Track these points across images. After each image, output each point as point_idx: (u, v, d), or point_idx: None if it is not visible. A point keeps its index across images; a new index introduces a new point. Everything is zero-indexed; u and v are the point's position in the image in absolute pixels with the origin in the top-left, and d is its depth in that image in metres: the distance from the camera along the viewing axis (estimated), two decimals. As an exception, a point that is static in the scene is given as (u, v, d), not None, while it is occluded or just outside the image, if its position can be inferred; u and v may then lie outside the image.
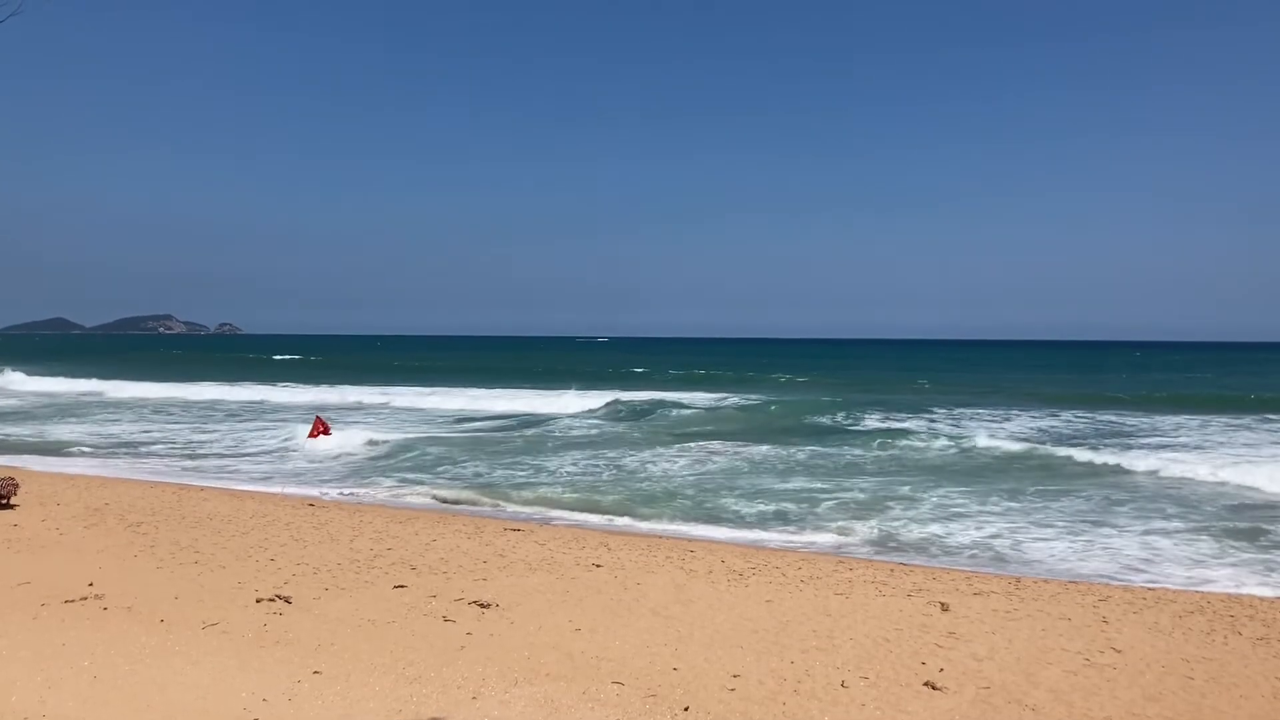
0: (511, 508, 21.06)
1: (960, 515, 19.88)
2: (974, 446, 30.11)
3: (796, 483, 24.13)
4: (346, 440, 31.37)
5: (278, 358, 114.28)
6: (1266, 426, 39.43)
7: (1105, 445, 31.56)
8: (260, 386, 60.80)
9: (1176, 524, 18.94)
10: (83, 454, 29.18)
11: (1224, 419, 41.67)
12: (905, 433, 33.64)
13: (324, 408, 44.57)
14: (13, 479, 18.40)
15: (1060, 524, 19.00)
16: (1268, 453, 30.33)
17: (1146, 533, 18.19)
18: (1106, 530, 18.46)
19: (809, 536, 18.34)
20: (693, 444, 32.03)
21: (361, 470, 26.53)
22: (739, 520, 19.69)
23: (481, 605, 11.64)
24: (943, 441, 31.28)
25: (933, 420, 41.29)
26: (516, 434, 36.23)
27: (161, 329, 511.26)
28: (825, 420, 40.63)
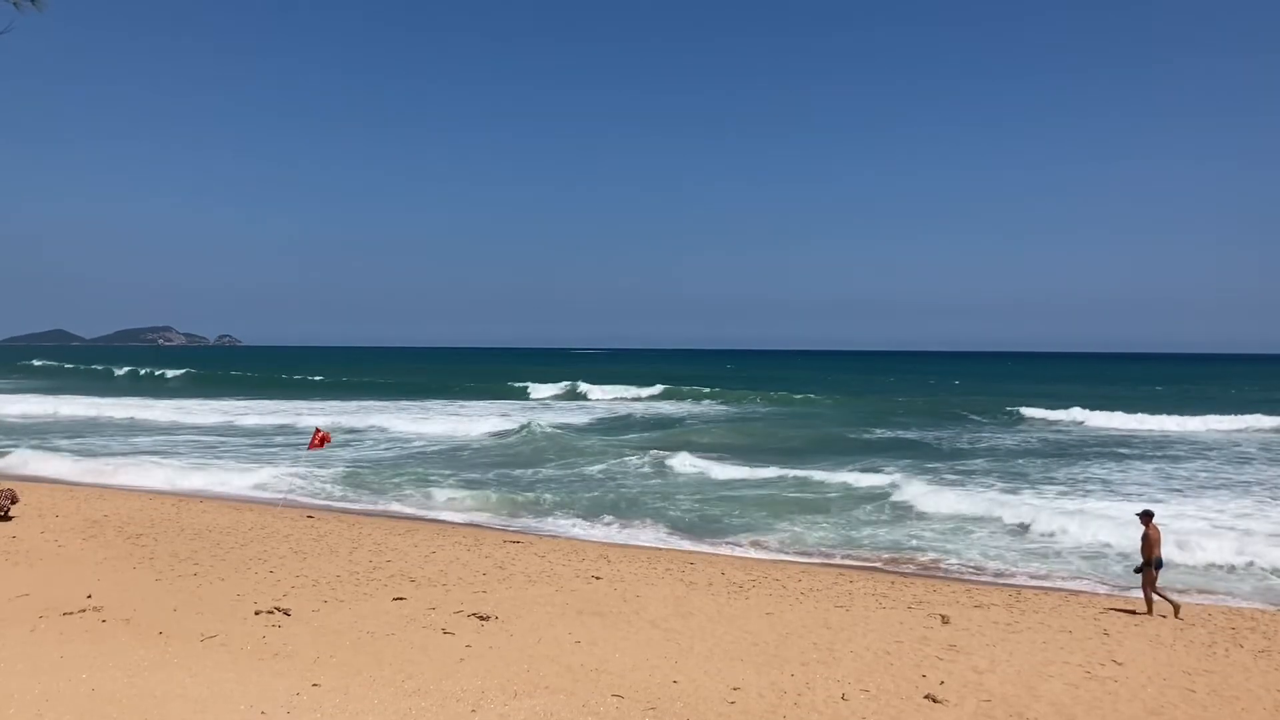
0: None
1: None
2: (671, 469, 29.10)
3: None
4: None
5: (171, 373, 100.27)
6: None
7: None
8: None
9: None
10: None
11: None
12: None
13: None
14: (11, 491, 18.35)
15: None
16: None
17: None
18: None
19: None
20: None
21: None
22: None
23: (481, 617, 11.61)
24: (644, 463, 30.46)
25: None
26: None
27: (161, 340, 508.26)
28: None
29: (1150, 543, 13.42)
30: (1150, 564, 13.40)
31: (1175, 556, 16.48)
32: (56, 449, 31.55)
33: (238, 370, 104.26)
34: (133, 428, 42.58)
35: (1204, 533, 18.53)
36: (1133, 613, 13.44)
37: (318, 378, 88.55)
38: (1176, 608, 13.26)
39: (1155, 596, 13.48)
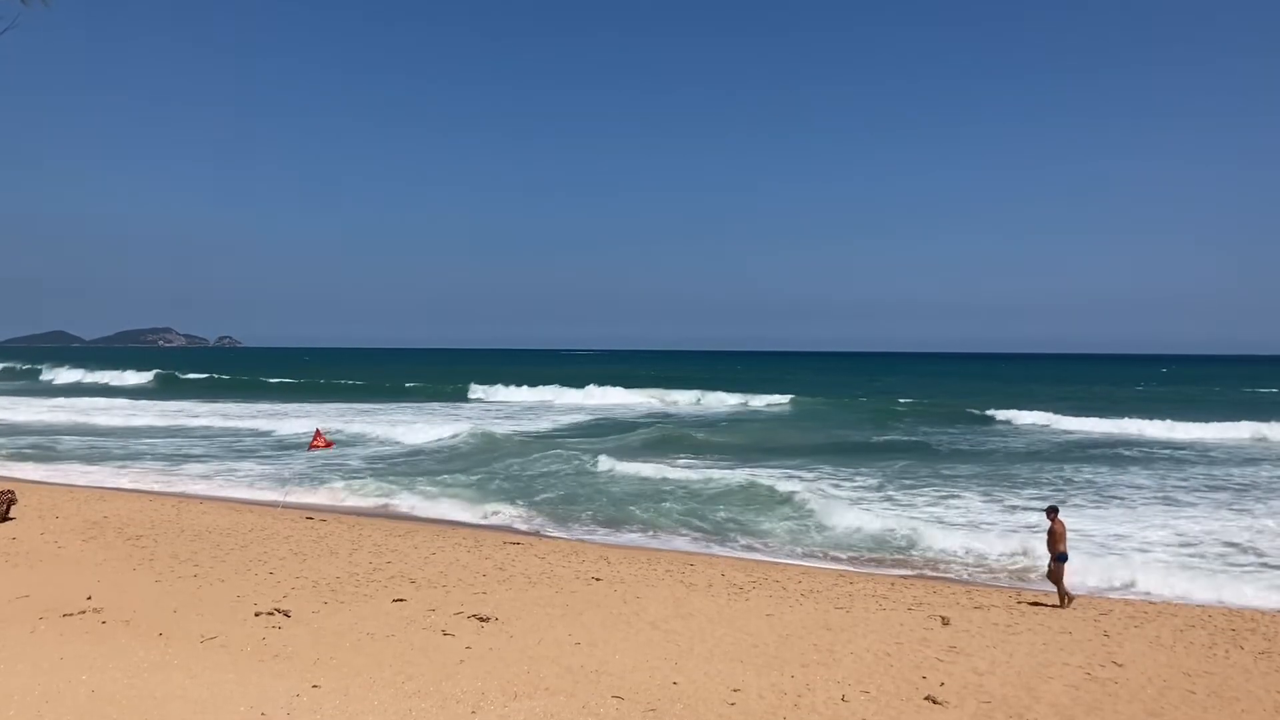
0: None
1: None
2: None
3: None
4: None
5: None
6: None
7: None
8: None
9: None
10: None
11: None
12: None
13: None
14: (11, 491, 18.36)
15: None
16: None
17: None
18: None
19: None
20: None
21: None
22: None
23: (481, 619, 11.61)
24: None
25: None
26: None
27: (161, 342, 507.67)
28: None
29: (1055, 537, 14.04)
30: (1055, 557, 13.99)
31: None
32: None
33: (222, 373, 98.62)
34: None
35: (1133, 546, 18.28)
36: (1049, 605, 13.94)
37: (296, 380, 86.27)
38: (1066, 599, 13.91)
39: (1058, 586, 14.07)
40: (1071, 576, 14.40)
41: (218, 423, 44.99)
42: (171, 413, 50.26)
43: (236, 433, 40.99)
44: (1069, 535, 14.50)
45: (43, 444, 34.88)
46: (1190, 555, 17.75)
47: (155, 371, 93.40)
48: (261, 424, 43.56)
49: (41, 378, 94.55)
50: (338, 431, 40.15)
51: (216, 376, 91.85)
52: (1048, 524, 14.32)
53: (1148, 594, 15.19)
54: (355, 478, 27.03)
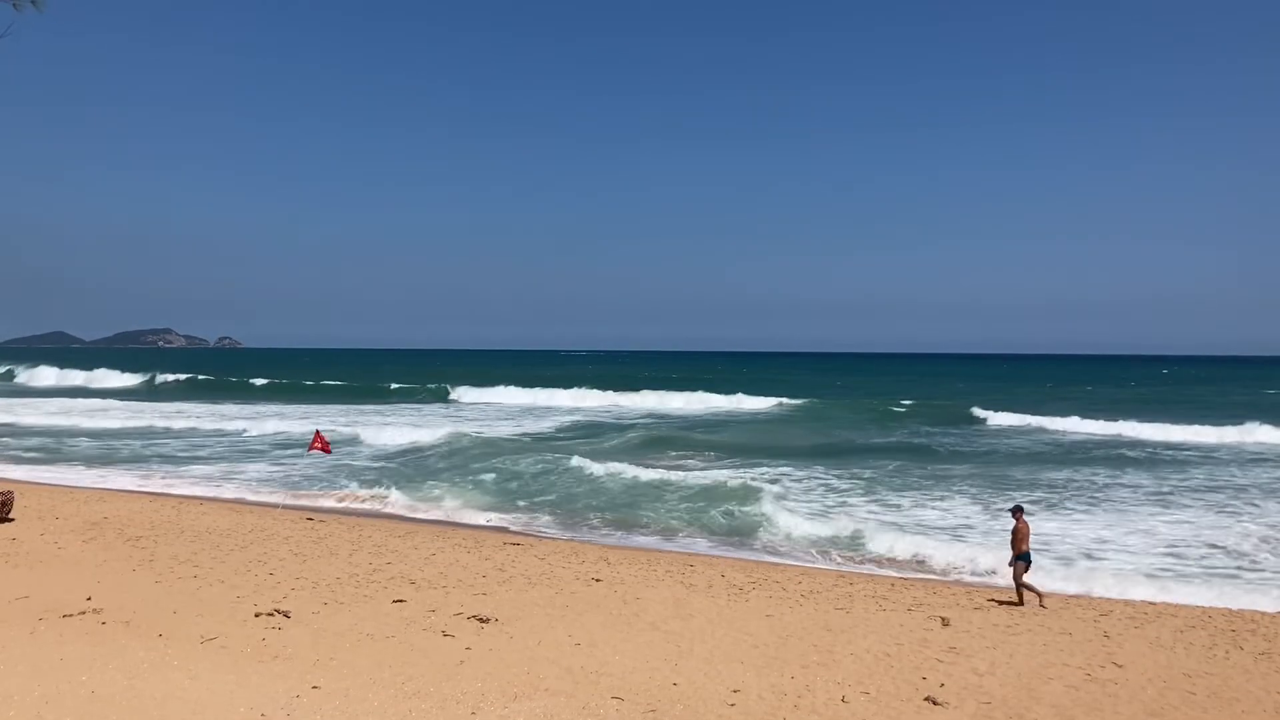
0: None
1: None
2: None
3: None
4: None
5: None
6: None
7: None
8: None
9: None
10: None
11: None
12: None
13: None
14: (10, 492, 18.36)
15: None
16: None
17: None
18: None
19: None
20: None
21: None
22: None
23: (481, 620, 11.61)
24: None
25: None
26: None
27: (161, 343, 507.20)
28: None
29: (1019, 537, 14.07)
30: (1018, 557, 14.03)
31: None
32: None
33: (222, 374, 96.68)
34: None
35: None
36: (1047, 606, 13.86)
37: (295, 381, 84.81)
38: (1040, 596, 14.00)
39: (1025, 588, 14.15)
40: (1030, 578, 14.35)
41: (214, 424, 44.83)
42: (169, 413, 50.13)
43: (235, 433, 40.94)
44: (1057, 537, 14.45)
45: (46, 444, 34.90)
46: (1170, 559, 17.58)
47: (142, 374, 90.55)
48: (256, 425, 43.39)
49: (16, 380, 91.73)
50: (334, 433, 40.12)
51: (213, 377, 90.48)
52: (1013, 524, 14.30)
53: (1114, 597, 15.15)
54: (354, 479, 27.05)
